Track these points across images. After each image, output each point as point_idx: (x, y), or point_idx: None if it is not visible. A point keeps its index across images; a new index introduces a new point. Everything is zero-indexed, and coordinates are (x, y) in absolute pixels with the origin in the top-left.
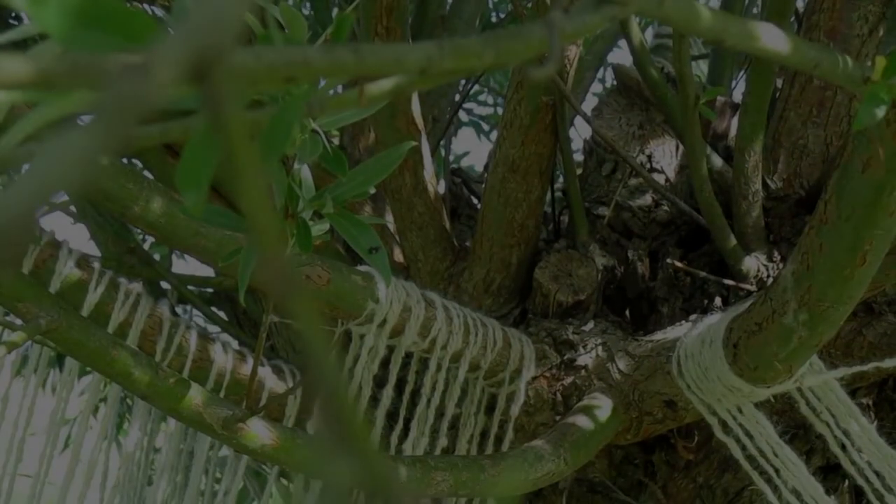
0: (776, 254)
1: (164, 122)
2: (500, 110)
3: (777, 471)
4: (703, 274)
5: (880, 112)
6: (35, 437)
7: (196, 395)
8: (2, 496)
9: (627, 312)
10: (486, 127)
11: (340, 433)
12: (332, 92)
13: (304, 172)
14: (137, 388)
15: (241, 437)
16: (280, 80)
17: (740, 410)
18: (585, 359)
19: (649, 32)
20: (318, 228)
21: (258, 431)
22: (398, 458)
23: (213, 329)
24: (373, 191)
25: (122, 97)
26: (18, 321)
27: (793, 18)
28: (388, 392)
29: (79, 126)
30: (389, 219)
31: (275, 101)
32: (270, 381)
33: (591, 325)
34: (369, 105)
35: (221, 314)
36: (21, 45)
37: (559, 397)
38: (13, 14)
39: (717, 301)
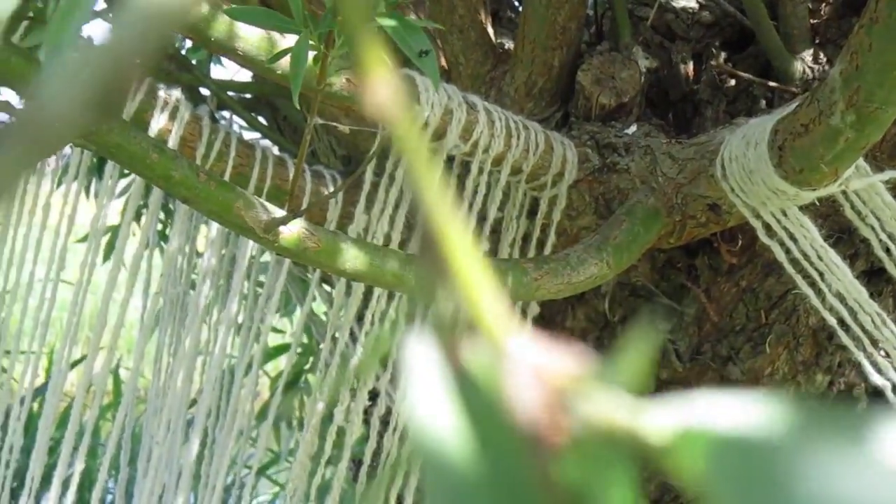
0: (822, 55)
1: None
2: None
3: (821, 274)
4: (747, 76)
5: None
6: (77, 244)
7: (237, 199)
8: (45, 304)
9: (671, 115)
10: None
11: (440, 260)
12: None
13: None
14: (178, 192)
15: (283, 241)
16: None
17: (785, 214)
18: (628, 162)
19: None
20: None
21: (300, 234)
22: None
23: (253, 135)
24: None
25: None
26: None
27: None
28: None
29: None
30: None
31: None
32: (311, 186)
33: (633, 128)
34: None
35: (261, 120)
36: None
37: (601, 201)
38: None
39: (762, 104)
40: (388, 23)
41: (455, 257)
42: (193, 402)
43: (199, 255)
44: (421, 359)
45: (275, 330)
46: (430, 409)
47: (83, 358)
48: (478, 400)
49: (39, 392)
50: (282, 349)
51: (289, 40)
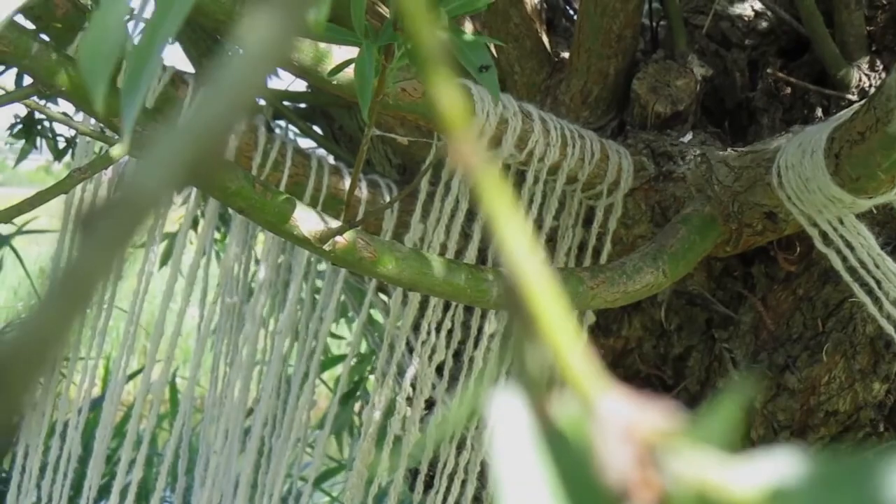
0: (878, 63)
1: None
2: None
3: (878, 282)
4: (803, 84)
5: None
6: (134, 252)
7: (293, 209)
8: (102, 312)
9: (726, 123)
10: None
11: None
12: None
13: None
14: (234, 202)
15: (339, 251)
16: None
17: (841, 222)
18: (684, 170)
19: None
20: None
21: (355, 244)
22: (496, 270)
23: (308, 144)
24: (484, 6)
25: None
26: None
27: None
28: None
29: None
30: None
31: None
32: (367, 196)
33: (689, 136)
34: None
35: (317, 129)
36: None
37: (657, 209)
38: None
39: (818, 111)
40: (450, 37)
41: (542, 313)
42: (250, 412)
43: (256, 263)
44: (509, 414)
45: (335, 336)
46: (519, 465)
47: (141, 369)
48: (567, 456)
49: (97, 402)
50: (339, 359)
51: (342, 51)
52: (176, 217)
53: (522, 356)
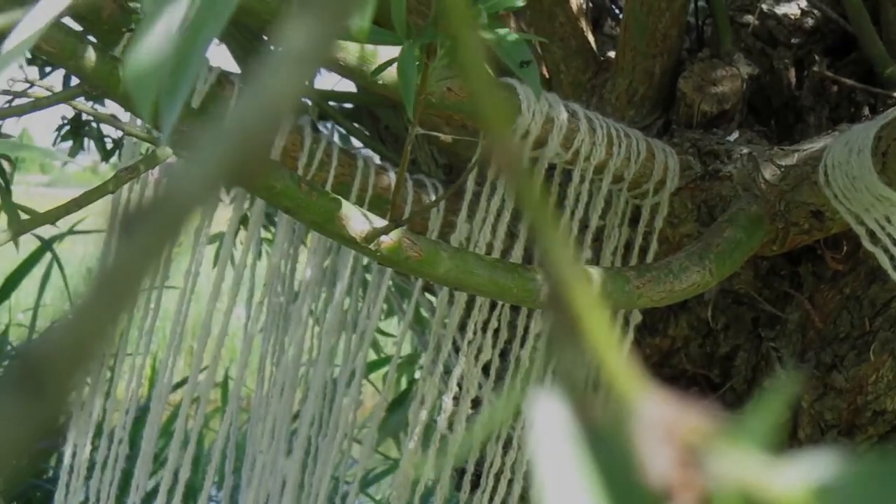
0: None
1: None
2: None
3: None
4: (850, 82)
5: None
6: (181, 252)
7: (339, 209)
8: (150, 311)
9: (773, 122)
10: None
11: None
12: None
13: None
14: (280, 202)
15: (384, 250)
16: None
17: (889, 220)
18: (730, 169)
19: None
20: None
21: (401, 244)
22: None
23: (354, 144)
24: (521, 2)
25: None
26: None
27: None
28: None
29: None
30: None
31: None
32: (412, 195)
33: (735, 135)
34: None
35: (362, 129)
36: None
37: (704, 208)
38: None
39: (865, 110)
40: (491, 34)
41: (584, 315)
42: (297, 413)
43: (302, 262)
44: (551, 416)
45: (383, 333)
46: (561, 466)
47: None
48: (609, 456)
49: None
50: (386, 361)
51: (388, 50)
52: (224, 217)
53: (565, 356)
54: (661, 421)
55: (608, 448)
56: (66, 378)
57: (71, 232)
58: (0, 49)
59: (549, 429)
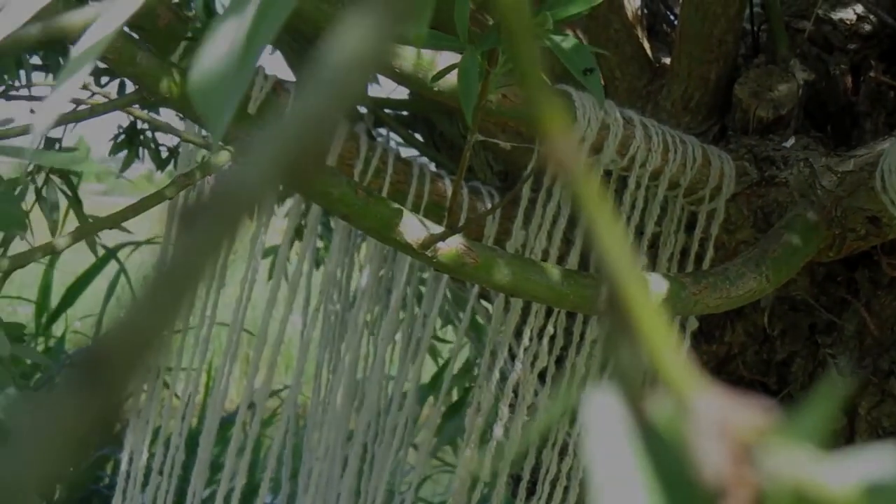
0: None
1: None
2: None
3: None
4: None
5: None
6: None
7: (395, 215)
8: (206, 319)
9: (829, 128)
10: None
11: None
12: None
13: None
14: (337, 209)
15: (441, 257)
16: None
17: None
18: (786, 175)
19: None
20: None
21: (458, 250)
22: (598, 276)
23: (410, 151)
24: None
25: None
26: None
27: None
28: None
29: None
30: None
31: None
32: (468, 202)
33: (791, 140)
34: None
35: (418, 136)
36: None
37: (760, 214)
38: None
39: None
40: (555, 41)
41: (638, 311)
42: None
43: (359, 270)
44: (605, 412)
45: (441, 340)
46: (615, 464)
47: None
48: (663, 453)
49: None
50: (442, 368)
51: (444, 58)
52: (279, 229)
53: (622, 360)
54: (715, 418)
55: (662, 445)
56: (125, 373)
57: (148, 242)
58: (70, 53)
59: (602, 427)
